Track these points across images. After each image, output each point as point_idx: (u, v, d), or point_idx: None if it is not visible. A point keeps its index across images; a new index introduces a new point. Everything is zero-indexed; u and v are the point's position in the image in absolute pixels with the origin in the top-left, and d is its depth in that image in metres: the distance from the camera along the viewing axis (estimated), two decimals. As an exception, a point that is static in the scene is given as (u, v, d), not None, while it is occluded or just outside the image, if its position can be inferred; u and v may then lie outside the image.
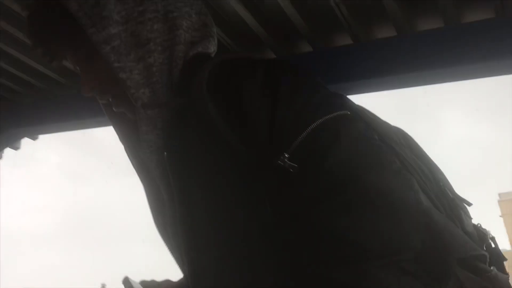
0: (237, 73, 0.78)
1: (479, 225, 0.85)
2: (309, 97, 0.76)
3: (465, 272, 0.70)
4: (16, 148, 2.52)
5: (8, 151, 2.53)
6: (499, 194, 19.54)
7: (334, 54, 1.66)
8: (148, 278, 0.97)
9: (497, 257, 0.81)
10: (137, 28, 0.83)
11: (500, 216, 18.54)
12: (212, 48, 0.93)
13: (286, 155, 0.71)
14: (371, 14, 1.57)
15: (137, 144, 0.93)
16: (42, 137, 2.44)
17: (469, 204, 0.86)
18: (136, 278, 0.94)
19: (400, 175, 0.73)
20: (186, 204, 0.81)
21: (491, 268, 0.76)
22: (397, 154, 0.79)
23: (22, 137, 2.36)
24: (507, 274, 0.79)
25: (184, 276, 0.93)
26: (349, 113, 0.77)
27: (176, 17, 0.87)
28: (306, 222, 0.69)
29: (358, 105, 0.86)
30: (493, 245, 0.83)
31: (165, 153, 0.83)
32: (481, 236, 0.82)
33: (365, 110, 0.86)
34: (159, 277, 0.98)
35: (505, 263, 0.84)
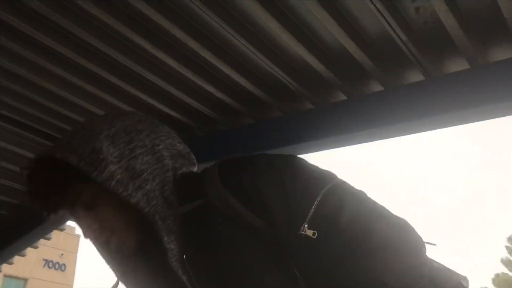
0: (245, 168, 0.96)
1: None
2: (307, 175, 0.93)
3: None
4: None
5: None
6: None
7: (405, 91, 1.66)
8: None
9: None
10: (130, 163, 0.97)
11: None
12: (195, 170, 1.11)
13: (306, 225, 0.85)
14: (440, 48, 1.56)
15: (136, 276, 1.08)
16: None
17: (434, 244, 0.98)
18: None
19: (397, 220, 0.90)
20: None
21: None
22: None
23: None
24: None
25: None
26: (341, 179, 0.95)
27: (161, 148, 1.02)
28: (335, 275, 0.83)
29: None
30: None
31: (184, 256, 0.95)
32: (450, 270, 0.96)
33: None
34: None
35: None
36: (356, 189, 0.94)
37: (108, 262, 1.10)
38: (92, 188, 0.99)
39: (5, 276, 18.59)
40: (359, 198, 0.92)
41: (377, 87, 1.73)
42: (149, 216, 0.95)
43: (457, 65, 1.59)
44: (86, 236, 1.02)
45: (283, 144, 1.82)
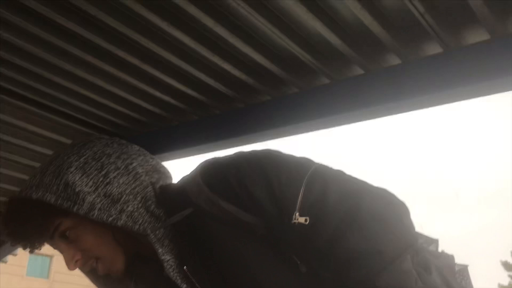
0: (228, 171, 0.97)
1: None
2: (287, 166, 0.95)
3: (435, 259, 0.95)
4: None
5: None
6: None
7: (423, 64, 1.63)
8: None
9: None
10: (107, 189, 0.97)
11: None
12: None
13: (297, 213, 0.88)
14: (459, 19, 1.52)
15: None
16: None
17: None
18: None
19: (379, 191, 0.94)
20: None
21: (442, 251, 1.04)
22: None
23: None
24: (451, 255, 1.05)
25: None
26: (318, 163, 0.97)
27: (135, 166, 1.03)
28: (332, 254, 0.86)
29: None
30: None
31: (185, 267, 0.96)
32: (421, 234, 1.03)
33: None
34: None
35: None
36: (335, 170, 0.97)
37: (98, 285, 1.13)
38: (72, 220, 1.01)
39: (31, 253, 19.10)
40: (340, 178, 0.95)
41: (394, 61, 1.70)
42: (140, 233, 0.97)
43: (477, 36, 1.55)
44: (70, 267, 1.04)
45: (300, 121, 1.82)
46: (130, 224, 0.96)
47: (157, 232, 0.97)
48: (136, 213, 0.98)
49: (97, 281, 1.10)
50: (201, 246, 0.96)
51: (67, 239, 1.03)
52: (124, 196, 0.98)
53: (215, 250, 0.94)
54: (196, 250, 0.97)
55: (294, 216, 0.89)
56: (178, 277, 0.96)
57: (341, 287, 0.86)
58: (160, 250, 0.96)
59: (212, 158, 1.05)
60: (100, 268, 1.04)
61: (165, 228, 0.98)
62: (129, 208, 0.97)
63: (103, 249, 1.03)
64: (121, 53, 1.76)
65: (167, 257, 0.96)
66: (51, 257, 21.00)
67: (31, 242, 1.07)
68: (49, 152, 2.37)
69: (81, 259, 1.03)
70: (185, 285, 0.96)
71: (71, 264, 1.03)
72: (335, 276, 0.87)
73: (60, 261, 20.86)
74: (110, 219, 0.95)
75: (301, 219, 0.88)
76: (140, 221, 0.97)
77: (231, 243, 0.93)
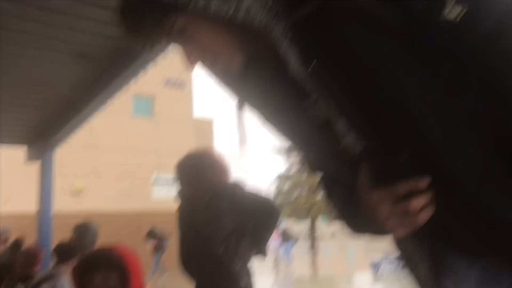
0: None
1: None
2: None
3: None
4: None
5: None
6: None
7: None
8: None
9: None
10: None
11: None
12: None
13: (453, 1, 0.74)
14: None
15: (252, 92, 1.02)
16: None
17: None
18: None
19: None
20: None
21: None
22: None
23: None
24: None
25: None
26: None
27: None
28: (491, 52, 0.73)
29: None
30: None
31: (310, 65, 0.85)
32: None
33: None
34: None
35: None
36: None
37: (223, 84, 1.09)
38: (189, 17, 0.99)
39: (135, 95, 20.51)
40: None
41: None
42: (259, 30, 0.92)
43: None
44: (188, 63, 1.03)
45: None
46: (249, 20, 0.91)
47: (278, 28, 0.87)
48: (253, 9, 0.91)
49: (218, 78, 1.10)
50: (327, 45, 0.83)
51: (184, 36, 1.01)
52: None
53: (343, 50, 0.81)
54: (322, 50, 0.84)
55: (447, 6, 0.74)
56: (304, 73, 0.87)
57: (489, 96, 0.74)
58: (282, 47, 0.88)
59: None
60: (218, 65, 1.02)
61: (285, 25, 0.87)
62: (245, 4, 0.92)
63: (220, 46, 1.00)
64: None
65: (290, 53, 0.87)
66: (153, 97, 22.41)
67: (150, 39, 1.06)
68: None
69: (200, 54, 1.02)
70: (310, 81, 0.87)
71: (189, 60, 1.03)
72: (485, 81, 0.74)
73: (162, 100, 22.30)
74: (228, 14, 0.93)
75: (455, 11, 0.73)
76: (258, 18, 0.90)
77: (363, 42, 0.79)
